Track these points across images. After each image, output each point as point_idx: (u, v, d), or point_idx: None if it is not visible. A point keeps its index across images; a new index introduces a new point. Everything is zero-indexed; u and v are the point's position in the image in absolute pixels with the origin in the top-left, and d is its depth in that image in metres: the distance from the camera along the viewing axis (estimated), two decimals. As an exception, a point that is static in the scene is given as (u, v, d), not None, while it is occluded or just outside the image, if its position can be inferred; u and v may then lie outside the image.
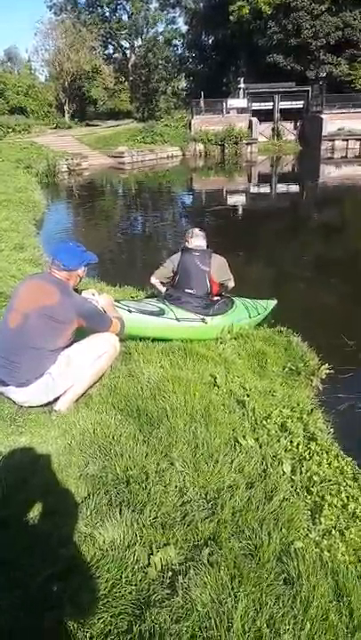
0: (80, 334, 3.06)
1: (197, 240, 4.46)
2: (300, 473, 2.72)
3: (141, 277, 6.21)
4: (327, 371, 4.18)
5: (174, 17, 47.89)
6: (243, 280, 4.52)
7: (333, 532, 2.35)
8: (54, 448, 2.70)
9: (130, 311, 3.84)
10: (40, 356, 2.85)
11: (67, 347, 2.97)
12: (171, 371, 3.59)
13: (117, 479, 2.45)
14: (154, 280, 4.63)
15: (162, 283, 4.59)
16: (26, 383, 2.84)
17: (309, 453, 2.89)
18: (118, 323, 3.19)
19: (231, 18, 33.08)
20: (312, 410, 3.48)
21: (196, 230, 4.55)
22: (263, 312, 4.98)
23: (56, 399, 3.00)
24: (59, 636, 1.68)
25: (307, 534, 2.30)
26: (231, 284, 4.55)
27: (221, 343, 4.28)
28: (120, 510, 2.22)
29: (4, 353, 2.86)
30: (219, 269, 4.36)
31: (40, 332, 2.82)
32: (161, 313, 4.08)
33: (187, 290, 4.31)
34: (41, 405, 3.01)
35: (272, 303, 5.19)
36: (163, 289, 4.55)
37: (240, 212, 15.40)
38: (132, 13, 44.95)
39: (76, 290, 3.11)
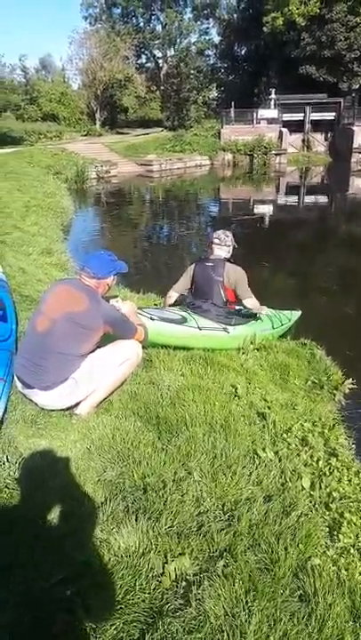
0: (104, 339, 3.09)
1: (217, 250, 4.41)
2: (320, 488, 2.68)
3: (165, 285, 6.25)
4: (351, 385, 4.11)
5: (207, 28, 48.28)
6: (268, 290, 4.50)
7: (352, 550, 2.30)
8: (73, 452, 2.72)
9: (152, 319, 3.85)
10: (66, 360, 2.87)
11: (91, 352, 3.00)
12: (191, 379, 3.59)
13: (135, 486, 2.46)
14: (172, 294, 4.64)
15: (182, 295, 4.59)
16: (50, 387, 2.87)
17: (330, 469, 2.85)
18: (143, 331, 3.22)
19: (265, 29, 33.13)
20: (334, 425, 3.43)
21: (220, 237, 4.42)
22: (287, 323, 4.92)
23: (77, 403, 3.03)
24: (70, 640, 1.68)
25: (324, 551, 2.26)
26: (248, 303, 4.42)
27: (243, 353, 4.26)
28: (136, 517, 2.23)
29: (29, 356, 2.90)
30: (231, 278, 4.28)
31: (67, 338, 2.85)
32: (183, 321, 4.09)
33: (202, 299, 4.32)
34: (63, 409, 3.04)
35: (296, 314, 5.13)
36: (172, 301, 4.60)
37: (267, 222, 15.34)
38: (165, 24, 45.49)
39: (102, 298, 3.14)
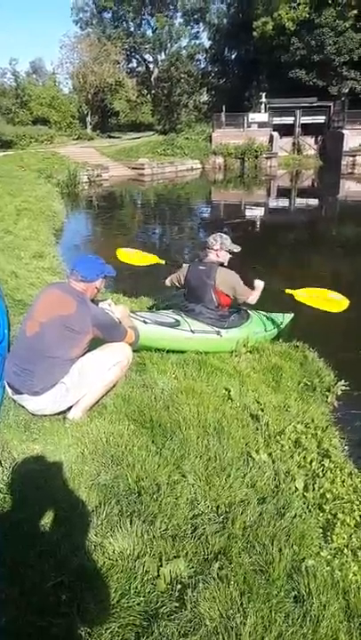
0: (94, 343, 3.09)
1: (210, 254, 4.41)
2: (313, 490, 2.70)
3: (157, 289, 6.24)
4: (343, 387, 4.14)
5: (198, 32, 48.38)
6: (261, 294, 4.50)
7: (346, 550, 2.32)
8: (67, 456, 2.71)
9: (145, 322, 3.86)
10: (54, 365, 2.87)
11: (80, 356, 3.00)
12: (185, 382, 3.60)
13: (129, 489, 2.46)
14: (167, 282, 4.72)
15: (174, 287, 4.67)
16: (39, 392, 2.86)
17: (323, 470, 2.87)
18: (133, 333, 3.22)
19: (255, 34, 33.34)
20: (327, 426, 3.46)
21: (210, 239, 4.42)
22: (280, 326, 4.97)
23: (68, 408, 3.03)
24: (66, 645, 1.68)
25: (318, 552, 2.28)
26: (248, 299, 4.44)
27: (236, 356, 4.27)
28: (131, 521, 2.22)
29: (19, 361, 2.89)
30: (225, 282, 4.29)
31: (56, 342, 2.84)
32: (176, 324, 4.10)
33: (194, 302, 4.35)
34: (53, 414, 3.03)
35: (289, 317, 5.17)
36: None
37: (258, 225, 15.41)
38: (156, 28, 45.59)
39: (92, 301, 3.15)
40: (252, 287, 4.47)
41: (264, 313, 4.90)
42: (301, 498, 2.62)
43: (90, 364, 2.98)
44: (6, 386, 2.98)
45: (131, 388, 3.46)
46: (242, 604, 1.91)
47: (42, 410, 2.96)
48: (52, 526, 2.21)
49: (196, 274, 4.39)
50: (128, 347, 3.18)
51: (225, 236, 4.48)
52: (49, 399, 2.89)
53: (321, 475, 2.83)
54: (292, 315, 5.20)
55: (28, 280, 6.03)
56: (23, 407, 3.00)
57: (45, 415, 3.01)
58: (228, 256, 4.45)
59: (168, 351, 4.02)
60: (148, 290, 6.30)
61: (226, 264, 4.44)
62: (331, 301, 4.41)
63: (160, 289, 5.63)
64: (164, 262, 5.14)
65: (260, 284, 4.53)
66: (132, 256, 5.40)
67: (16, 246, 8.15)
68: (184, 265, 4.64)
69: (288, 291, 4.65)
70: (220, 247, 4.39)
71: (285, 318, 5.11)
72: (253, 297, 4.47)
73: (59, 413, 3.03)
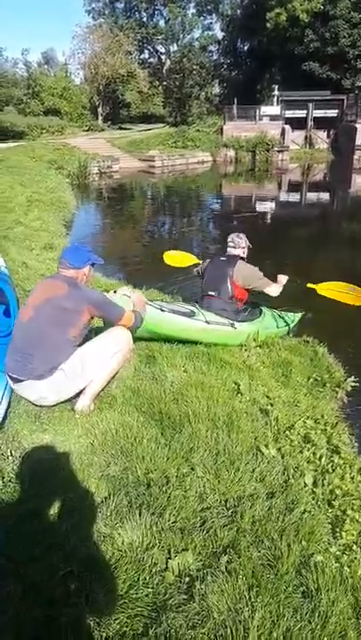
0: (94, 334, 3.09)
1: (231, 250, 4.57)
2: (322, 485, 2.69)
3: (167, 281, 6.24)
4: (353, 383, 4.12)
5: (211, 23, 47.99)
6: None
7: (355, 547, 2.30)
8: (77, 447, 2.72)
9: (162, 310, 3.84)
10: (53, 346, 2.87)
11: (80, 345, 3.00)
12: (194, 376, 3.59)
13: (138, 481, 2.46)
14: (195, 271, 4.88)
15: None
16: (41, 376, 2.83)
17: (332, 466, 2.86)
18: (133, 317, 3.19)
19: (268, 25, 32.99)
20: (336, 422, 3.44)
21: (233, 237, 4.60)
22: (290, 323, 4.98)
23: (68, 399, 3.02)
24: (75, 634, 1.69)
25: (327, 548, 2.27)
26: (268, 289, 4.50)
27: (246, 350, 4.26)
28: (140, 513, 2.23)
29: (18, 349, 2.88)
30: (243, 275, 4.36)
31: (52, 322, 2.88)
32: (192, 315, 4.10)
33: (210, 292, 4.37)
34: (55, 405, 3.01)
35: (298, 315, 5.18)
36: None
37: (269, 219, 15.33)
38: (168, 19, 45.26)
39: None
40: (274, 280, 4.54)
41: (275, 310, 4.91)
42: (310, 493, 2.61)
43: (91, 353, 2.99)
44: (8, 379, 2.95)
45: (140, 381, 3.46)
46: (250, 597, 1.91)
47: (43, 399, 2.94)
48: (62, 517, 2.22)
49: (217, 264, 4.50)
50: (128, 332, 3.17)
51: (242, 234, 4.67)
52: (50, 386, 2.87)
53: (330, 471, 2.82)
54: (302, 313, 5.21)
55: (39, 271, 6.04)
56: (25, 398, 2.99)
57: (47, 406, 3.00)
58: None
59: (180, 342, 4.01)
60: (156, 282, 6.30)
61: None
62: (352, 295, 4.44)
63: (169, 282, 5.68)
64: (201, 262, 5.19)
65: (283, 278, 4.63)
66: (177, 258, 5.56)
67: (27, 237, 8.17)
68: (204, 262, 4.75)
69: (310, 285, 4.70)
70: (246, 245, 4.60)
71: (296, 317, 5.13)
72: (275, 289, 4.53)
73: (60, 403, 3.02)
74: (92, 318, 3.05)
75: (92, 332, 3.22)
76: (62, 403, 3.03)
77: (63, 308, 2.90)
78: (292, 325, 5.02)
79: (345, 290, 4.51)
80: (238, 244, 4.56)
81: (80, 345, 3.01)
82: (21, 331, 2.92)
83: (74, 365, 2.91)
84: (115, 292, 3.53)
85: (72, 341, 2.95)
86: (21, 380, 2.87)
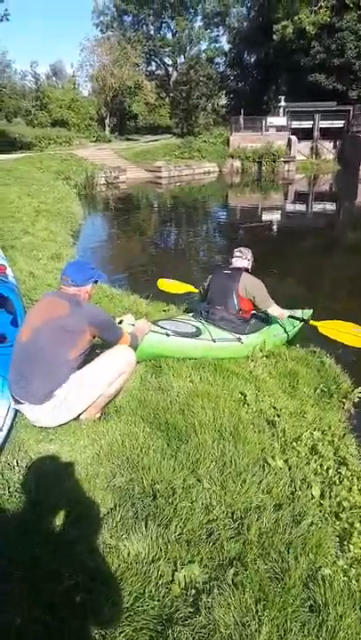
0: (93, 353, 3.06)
1: (235, 261, 4.58)
2: (330, 498, 2.67)
3: (172, 291, 6.23)
4: (360, 395, 4.09)
5: (218, 36, 48.57)
6: (276, 297, 4.48)
7: (362, 561, 2.28)
8: (83, 457, 2.72)
9: (168, 335, 3.87)
10: (51, 368, 2.80)
11: (80, 366, 2.93)
12: (200, 386, 3.59)
13: (144, 492, 2.45)
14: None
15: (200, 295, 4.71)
16: (40, 400, 2.78)
17: (339, 478, 2.83)
18: (129, 338, 3.17)
19: (274, 37, 33.28)
20: (344, 434, 3.41)
21: (243, 249, 4.62)
22: (299, 324, 4.88)
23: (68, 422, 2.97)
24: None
25: (335, 561, 2.24)
26: (269, 309, 4.45)
27: (252, 361, 4.25)
28: (146, 524, 2.22)
29: (17, 368, 2.84)
30: (248, 288, 4.32)
31: (52, 344, 2.80)
32: (198, 334, 4.09)
33: (217, 306, 4.34)
34: (54, 427, 2.94)
35: (308, 313, 5.10)
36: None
37: (275, 229, 15.35)
38: (176, 32, 45.83)
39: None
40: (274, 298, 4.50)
41: (296, 317, 4.80)
42: (318, 506, 2.59)
43: (89, 381, 2.91)
44: (10, 398, 2.92)
45: (146, 391, 3.47)
46: (257, 611, 1.89)
47: (38, 420, 2.89)
48: (68, 527, 2.21)
49: (221, 278, 4.47)
50: (130, 351, 3.12)
51: (247, 249, 4.70)
52: (46, 412, 2.82)
53: (338, 483, 2.79)
54: (311, 310, 5.15)
55: (46, 281, 6.07)
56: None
57: (45, 427, 2.93)
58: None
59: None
60: (162, 292, 6.31)
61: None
62: (355, 336, 4.35)
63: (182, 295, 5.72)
64: (197, 290, 5.22)
65: (284, 312, 4.57)
66: (171, 286, 5.64)
67: (34, 247, 8.21)
68: (209, 277, 4.70)
69: (312, 322, 4.66)
70: (251, 259, 4.62)
71: (305, 314, 5.03)
72: (275, 310, 4.46)
73: (59, 426, 2.96)
74: (93, 337, 2.98)
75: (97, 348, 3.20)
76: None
77: (65, 328, 2.84)
78: (301, 325, 4.93)
79: (348, 330, 4.42)
80: (246, 256, 4.57)
81: (80, 366, 2.94)
82: (20, 351, 2.84)
83: (69, 391, 2.84)
84: (120, 322, 3.52)
85: (72, 363, 2.87)
86: (20, 402, 2.84)
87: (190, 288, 5.45)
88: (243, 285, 4.31)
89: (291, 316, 4.64)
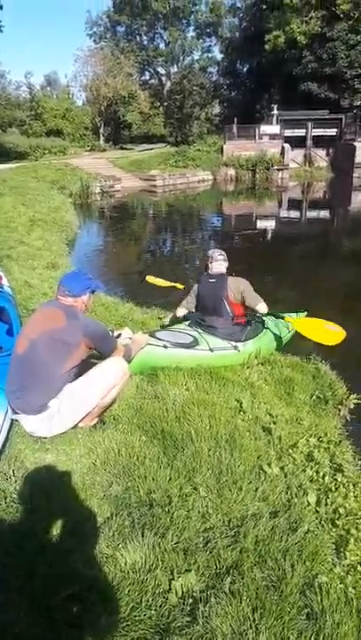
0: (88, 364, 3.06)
1: (217, 266, 4.54)
2: (326, 505, 2.67)
3: (168, 299, 6.26)
4: (356, 400, 4.10)
5: (210, 46, 49.16)
6: (270, 304, 4.49)
7: (359, 567, 2.28)
8: (79, 466, 2.72)
9: (165, 347, 3.89)
10: (47, 380, 2.81)
11: (75, 377, 2.94)
12: (196, 394, 3.59)
13: (140, 501, 2.45)
14: (180, 310, 4.69)
15: (190, 312, 4.64)
16: (34, 412, 2.79)
17: (335, 485, 2.83)
18: (123, 350, 3.17)
19: (266, 47, 33.66)
20: (340, 440, 3.42)
21: (216, 254, 4.58)
22: (293, 330, 4.89)
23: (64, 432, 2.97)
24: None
25: (331, 568, 2.24)
26: (261, 308, 4.45)
27: (248, 368, 4.26)
28: (142, 533, 2.22)
29: (14, 379, 2.85)
30: (237, 291, 4.36)
31: (47, 356, 2.80)
32: (195, 344, 4.10)
33: (209, 315, 4.35)
34: (49, 437, 2.94)
35: (302, 315, 5.11)
36: (180, 315, 4.66)
37: (269, 236, 15.42)
38: (169, 42, 46.31)
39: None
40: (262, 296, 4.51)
41: (279, 315, 4.81)
42: (314, 513, 2.59)
43: (83, 393, 2.91)
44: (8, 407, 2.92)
45: (142, 399, 3.47)
46: (254, 619, 1.89)
47: (36, 431, 2.90)
48: (64, 537, 2.21)
49: (208, 288, 4.46)
50: (123, 362, 3.12)
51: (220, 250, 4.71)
52: (41, 423, 2.83)
53: (334, 489, 2.80)
54: (306, 312, 5.16)
55: (41, 290, 6.08)
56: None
57: (41, 437, 2.93)
58: None
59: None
60: (158, 300, 6.33)
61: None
62: (327, 333, 4.38)
63: (170, 300, 5.76)
64: (182, 287, 5.30)
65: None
66: (158, 281, 5.79)
67: (30, 256, 8.22)
68: (194, 287, 4.68)
69: (287, 318, 4.68)
70: (225, 258, 4.58)
71: (299, 317, 5.04)
72: (263, 307, 4.47)
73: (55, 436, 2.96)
74: (89, 349, 2.98)
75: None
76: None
77: (61, 340, 2.83)
78: (295, 330, 4.95)
79: (320, 327, 4.42)
80: (225, 258, 4.56)
81: (75, 377, 2.94)
82: (16, 362, 2.85)
83: (62, 405, 2.84)
84: (118, 335, 3.53)
85: (66, 375, 2.88)
86: (18, 412, 2.85)
87: (176, 285, 5.52)
88: (231, 291, 4.33)
89: (271, 313, 4.64)
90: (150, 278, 5.89)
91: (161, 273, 5.94)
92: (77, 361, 2.93)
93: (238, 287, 4.37)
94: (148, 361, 3.80)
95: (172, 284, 5.61)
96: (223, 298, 4.32)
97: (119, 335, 3.53)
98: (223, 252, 4.62)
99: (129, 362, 3.27)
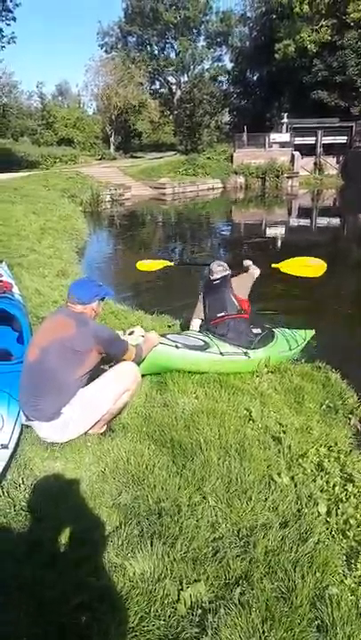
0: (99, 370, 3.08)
1: (217, 274, 4.61)
2: (336, 515, 2.64)
3: (178, 306, 6.27)
4: (366, 410, 4.07)
5: (220, 55, 49.38)
6: (281, 312, 4.50)
7: (370, 579, 2.25)
8: (88, 475, 2.72)
9: (177, 347, 3.89)
10: (59, 387, 2.84)
11: (87, 383, 2.96)
12: (206, 402, 3.59)
13: (150, 510, 2.45)
14: (194, 321, 4.73)
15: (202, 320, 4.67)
16: (49, 418, 2.82)
17: (346, 495, 2.81)
18: (134, 351, 3.19)
19: (276, 56, 33.78)
20: (350, 450, 3.38)
21: (215, 267, 4.66)
22: (302, 343, 4.97)
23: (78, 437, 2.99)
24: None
25: (342, 580, 2.22)
26: (255, 274, 4.76)
27: (258, 376, 4.24)
28: (151, 542, 2.21)
29: (26, 387, 2.88)
30: (238, 284, 4.53)
31: (59, 364, 2.83)
32: (206, 347, 4.11)
33: (219, 315, 4.37)
34: (63, 442, 2.97)
35: (310, 333, 5.16)
36: (196, 327, 4.69)
37: (279, 244, 15.39)
38: (179, 52, 46.62)
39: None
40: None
41: (287, 330, 4.91)
42: (324, 523, 2.57)
43: (95, 399, 2.94)
44: (21, 413, 2.96)
45: (152, 408, 3.47)
46: (264, 631, 1.87)
47: (49, 437, 2.93)
48: (73, 546, 2.21)
49: (213, 288, 4.56)
50: (135, 367, 3.14)
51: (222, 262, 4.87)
52: (54, 429, 2.86)
53: (344, 500, 2.77)
54: (313, 331, 5.19)
55: (52, 298, 6.11)
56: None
57: (56, 442, 2.97)
58: None
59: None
60: (168, 308, 6.33)
61: None
62: (310, 267, 4.83)
63: (180, 307, 5.77)
64: (173, 264, 5.52)
65: (247, 262, 4.96)
66: (148, 265, 5.83)
67: (40, 264, 8.28)
68: (200, 294, 4.76)
69: (273, 265, 5.01)
70: (226, 268, 4.68)
71: (307, 334, 5.10)
72: (256, 271, 4.81)
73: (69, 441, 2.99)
74: (100, 354, 3.00)
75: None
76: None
77: (71, 348, 2.85)
78: (304, 344, 5.00)
79: (305, 264, 4.87)
80: (225, 267, 4.66)
81: (87, 382, 2.97)
82: (28, 370, 2.89)
83: (75, 411, 2.87)
84: (130, 333, 3.55)
85: (78, 381, 2.91)
86: (31, 419, 2.89)
87: (167, 263, 5.67)
88: (234, 285, 4.47)
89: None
90: (141, 265, 5.89)
91: (170, 281, 5.96)
92: (89, 367, 2.95)
93: (239, 281, 4.56)
94: (159, 360, 3.79)
95: (164, 263, 5.70)
96: (228, 292, 4.42)
97: (132, 333, 3.55)
98: (223, 263, 4.71)
99: (141, 361, 3.29)
